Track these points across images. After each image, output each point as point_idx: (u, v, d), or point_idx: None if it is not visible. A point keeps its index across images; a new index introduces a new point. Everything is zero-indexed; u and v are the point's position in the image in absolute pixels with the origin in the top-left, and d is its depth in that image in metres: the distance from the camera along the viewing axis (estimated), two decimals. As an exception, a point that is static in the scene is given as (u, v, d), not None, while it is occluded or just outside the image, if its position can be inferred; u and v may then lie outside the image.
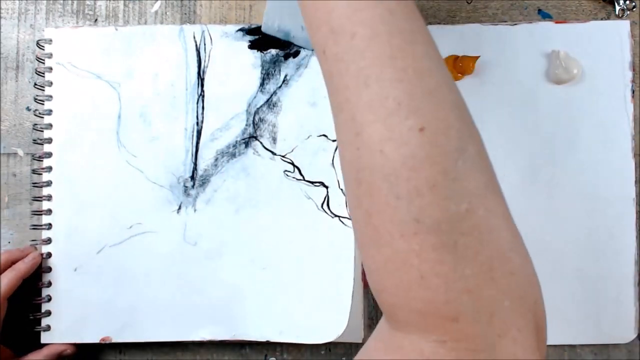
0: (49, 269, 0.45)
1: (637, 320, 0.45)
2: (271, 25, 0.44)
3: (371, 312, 0.45)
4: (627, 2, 0.47)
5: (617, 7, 0.47)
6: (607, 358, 0.46)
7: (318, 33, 0.27)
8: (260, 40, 0.45)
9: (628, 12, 0.47)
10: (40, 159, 0.45)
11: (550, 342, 0.46)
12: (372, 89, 0.24)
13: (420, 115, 0.24)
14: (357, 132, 0.25)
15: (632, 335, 0.45)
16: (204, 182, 0.45)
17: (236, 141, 0.45)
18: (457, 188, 0.24)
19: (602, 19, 0.47)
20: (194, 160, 0.45)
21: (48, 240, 0.45)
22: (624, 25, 0.46)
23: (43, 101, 0.46)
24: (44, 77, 0.46)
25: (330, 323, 0.42)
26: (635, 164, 0.46)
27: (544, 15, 0.47)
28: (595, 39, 0.46)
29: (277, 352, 0.47)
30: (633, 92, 0.46)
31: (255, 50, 0.46)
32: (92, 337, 0.45)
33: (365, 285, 0.44)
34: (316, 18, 0.27)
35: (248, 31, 0.46)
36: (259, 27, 0.45)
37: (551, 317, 0.47)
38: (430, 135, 0.23)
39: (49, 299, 0.45)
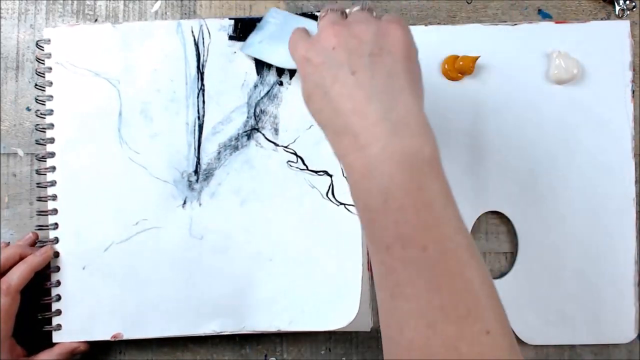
0: (58, 269, 0.45)
1: (637, 320, 0.45)
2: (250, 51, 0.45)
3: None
4: (627, 2, 0.47)
5: (617, 7, 0.47)
6: (607, 358, 0.46)
7: (386, 231, 0.29)
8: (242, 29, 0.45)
9: (628, 12, 0.47)
10: (43, 159, 0.45)
11: (550, 342, 0.46)
12: (444, 296, 0.28)
13: (485, 321, 0.28)
14: (428, 325, 0.28)
15: (632, 335, 0.45)
16: (208, 175, 0.45)
17: (238, 134, 0.45)
18: None
19: (602, 19, 0.47)
20: (196, 155, 0.45)
21: (55, 240, 0.45)
22: (624, 25, 0.46)
23: (44, 101, 0.46)
24: (44, 77, 0.46)
25: (340, 310, 0.43)
26: (635, 164, 0.46)
27: (544, 15, 0.48)
28: (595, 39, 0.46)
29: (277, 352, 0.47)
30: (633, 92, 0.46)
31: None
32: (103, 334, 0.45)
33: (372, 273, 0.44)
34: (380, 227, 0.29)
35: None
36: (256, 19, 0.45)
37: (551, 317, 0.47)
38: (494, 337, 0.27)
39: (59, 298, 0.45)
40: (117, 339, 0.45)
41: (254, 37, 0.45)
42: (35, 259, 0.43)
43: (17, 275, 0.42)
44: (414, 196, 0.28)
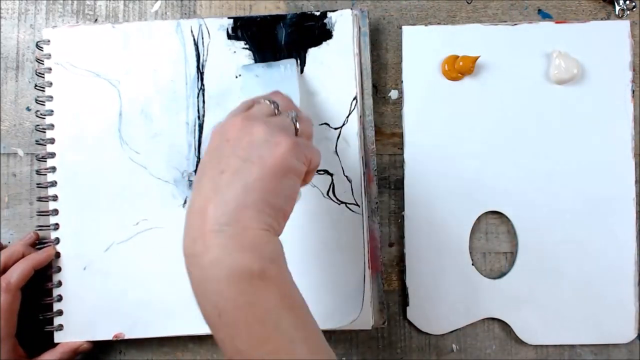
0: (59, 269, 0.45)
1: (637, 320, 0.45)
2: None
3: (382, 297, 0.45)
4: (627, 2, 0.47)
5: (617, 7, 0.47)
6: (607, 358, 0.46)
7: (224, 344, 0.30)
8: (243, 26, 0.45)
9: (628, 12, 0.47)
10: (43, 159, 0.45)
11: (550, 342, 0.46)
12: None
13: None
14: None
15: (632, 335, 0.45)
16: None
17: None
18: None
19: (602, 19, 0.47)
20: (197, 155, 0.45)
21: (56, 241, 0.45)
22: (624, 25, 0.46)
23: (44, 102, 0.46)
24: (44, 78, 0.46)
25: (342, 309, 0.43)
26: (635, 164, 0.46)
27: (544, 15, 0.48)
28: (595, 39, 0.46)
29: (277, 352, 0.47)
30: (633, 92, 0.46)
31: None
32: (104, 334, 0.45)
33: (374, 271, 0.44)
34: (219, 339, 0.30)
35: None
36: (256, 18, 0.45)
37: (551, 317, 0.47)
38: None
39: (60, 299, 0.45)
40: (118, 339, 0.45)
41: (258, 68, 0.44)
42: (36, 256, 0.43)
43: (18, 273, 0.42)
44: (245, 312, 0.29)
